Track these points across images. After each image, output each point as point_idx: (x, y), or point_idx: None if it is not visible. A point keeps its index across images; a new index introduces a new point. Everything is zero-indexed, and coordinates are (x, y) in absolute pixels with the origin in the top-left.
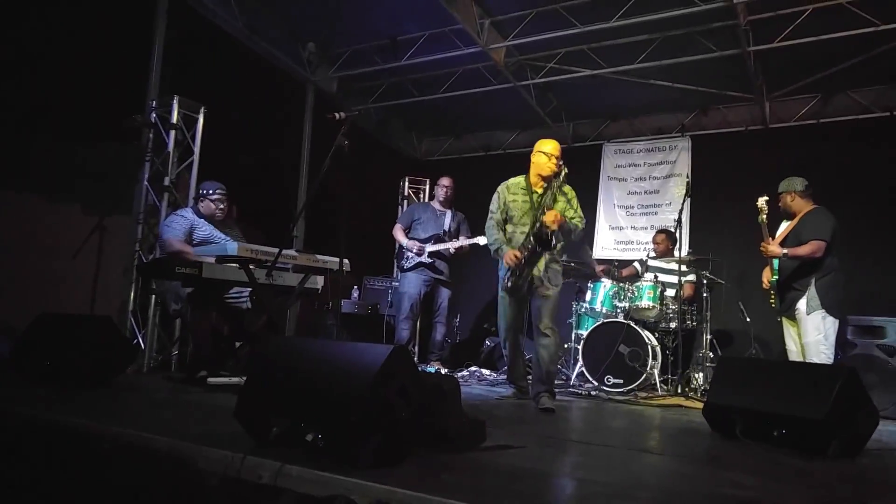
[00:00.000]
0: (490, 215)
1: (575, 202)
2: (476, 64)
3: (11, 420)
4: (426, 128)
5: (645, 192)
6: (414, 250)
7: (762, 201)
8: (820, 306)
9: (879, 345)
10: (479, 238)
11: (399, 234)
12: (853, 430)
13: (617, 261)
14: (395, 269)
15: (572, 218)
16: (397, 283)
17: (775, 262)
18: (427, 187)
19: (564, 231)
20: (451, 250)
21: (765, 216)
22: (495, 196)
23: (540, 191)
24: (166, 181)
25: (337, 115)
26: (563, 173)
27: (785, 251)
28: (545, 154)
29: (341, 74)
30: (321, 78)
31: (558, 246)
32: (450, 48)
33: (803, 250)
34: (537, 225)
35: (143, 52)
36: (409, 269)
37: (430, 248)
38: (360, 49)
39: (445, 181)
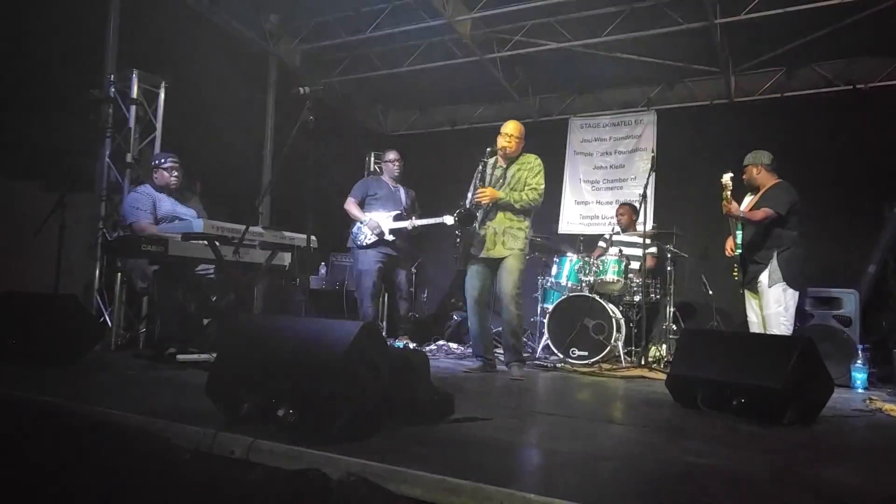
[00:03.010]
0: None
1: (534, 173)
2: (441, 37)
3: None
4: (392, 102)
5: (610, 166)
6: (375, 231)
7: (727, 178)
8: (781, 279)
9: (836, 315)
10: (445, 217)
11: (353, 207)
12: (808, 398)
13: (583, 236)
14: (352, 244)
15: (526, 188)
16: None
17: (738, 235)
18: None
19: (502, 206)
20: (409, 228)
21: (729, 192)
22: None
23: (504, 165)
24: (128, 157)
25: (301, 89)
26: (519, 154)
27: (742, 212)
28: (500, 133)
29: (305, 47)
30: (284, 51)
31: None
32: (415, 20)
33: (756, 215)
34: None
35: (99, 24)
36: (370, 247)
37: (392, 225)
38: (323, 21)
39: (393, 155)
